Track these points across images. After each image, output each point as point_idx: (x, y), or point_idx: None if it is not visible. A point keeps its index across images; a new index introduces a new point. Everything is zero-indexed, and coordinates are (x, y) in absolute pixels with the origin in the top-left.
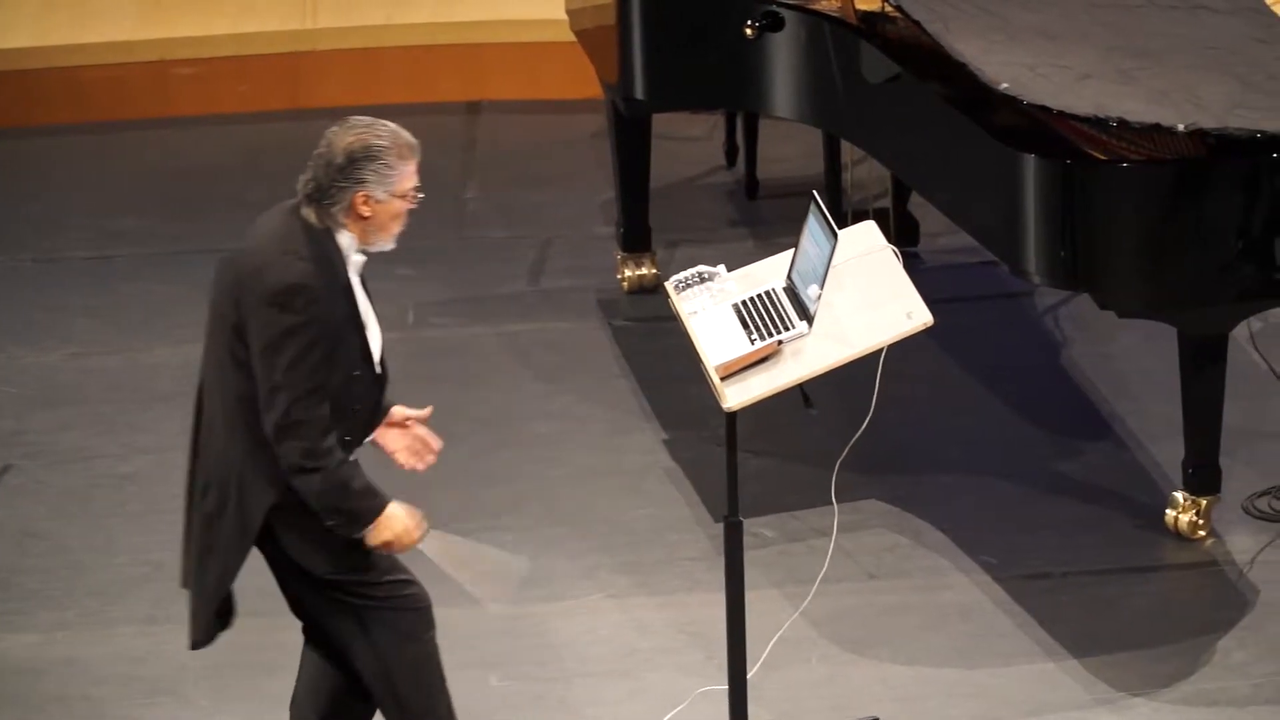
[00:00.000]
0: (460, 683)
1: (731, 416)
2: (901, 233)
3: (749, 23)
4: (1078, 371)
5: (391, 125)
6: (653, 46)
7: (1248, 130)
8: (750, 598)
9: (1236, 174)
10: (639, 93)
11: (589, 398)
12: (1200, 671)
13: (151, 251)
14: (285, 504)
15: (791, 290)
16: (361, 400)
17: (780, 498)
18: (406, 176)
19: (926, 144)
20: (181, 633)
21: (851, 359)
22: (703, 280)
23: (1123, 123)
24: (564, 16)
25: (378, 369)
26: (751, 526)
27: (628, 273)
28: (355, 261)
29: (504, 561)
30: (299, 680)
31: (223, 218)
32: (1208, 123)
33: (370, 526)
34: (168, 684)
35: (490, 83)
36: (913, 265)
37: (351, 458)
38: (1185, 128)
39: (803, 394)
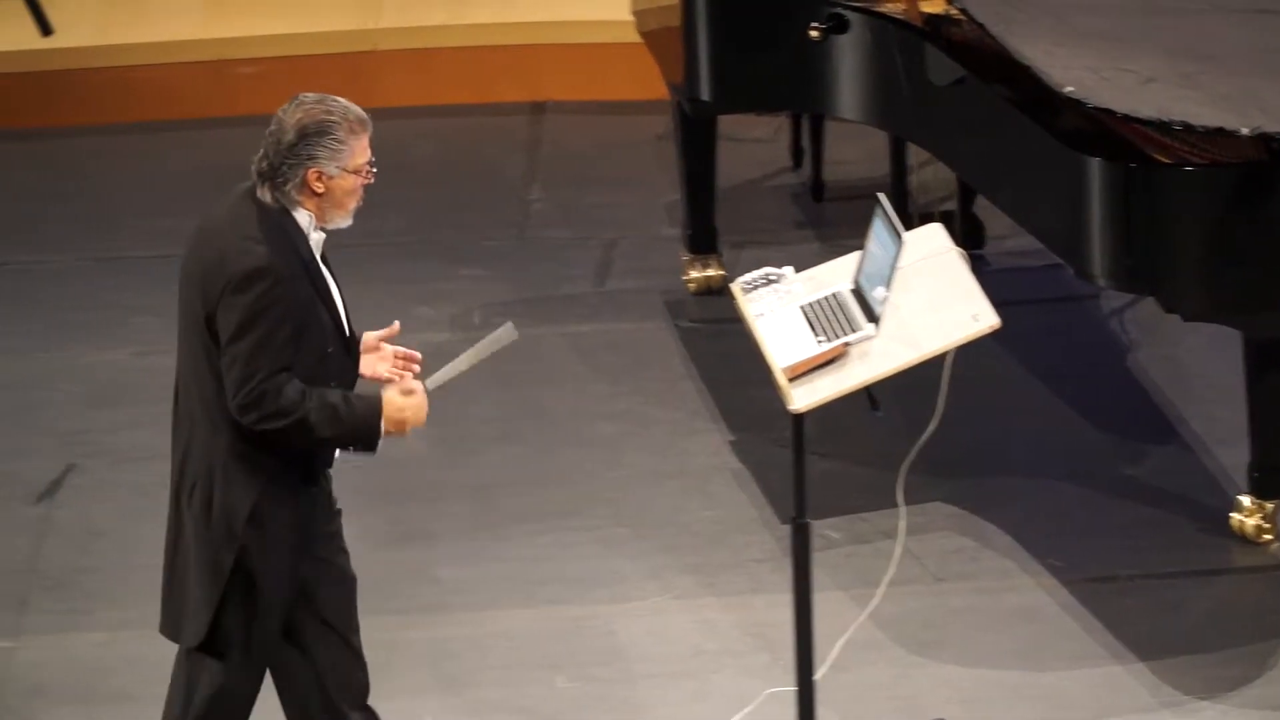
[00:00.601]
0: (527, 684)
1: (798, 418)
2: (967, 235)
3: (814, 25)
4: (1143, 375)
5: (342, 100)
6: (718, 48)
7: None
8: (817, 599)
9: None
10: (705, 94)
11: (654, 399)
12: (1266, 675)
13: None
14: (263, 507)
15: (858, 292)
16: (337, 377)
17: (847, 499)
18: (358, 151)
19: (991, 146)
20: None
21: (918, 361)
22: (769, 282)
23: (1186, 126)
24: (626, 17)
25: (352, 345)
26: (818, 528)
27: (693, 274)
28: (315, 239)
29: (492, 340)
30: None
31: None
32: (1271, 126)
33: (382, 425)
34: None
35: (551, 84)
36: (978, 268)
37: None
38: (1249, 131)
39: (869, 396)
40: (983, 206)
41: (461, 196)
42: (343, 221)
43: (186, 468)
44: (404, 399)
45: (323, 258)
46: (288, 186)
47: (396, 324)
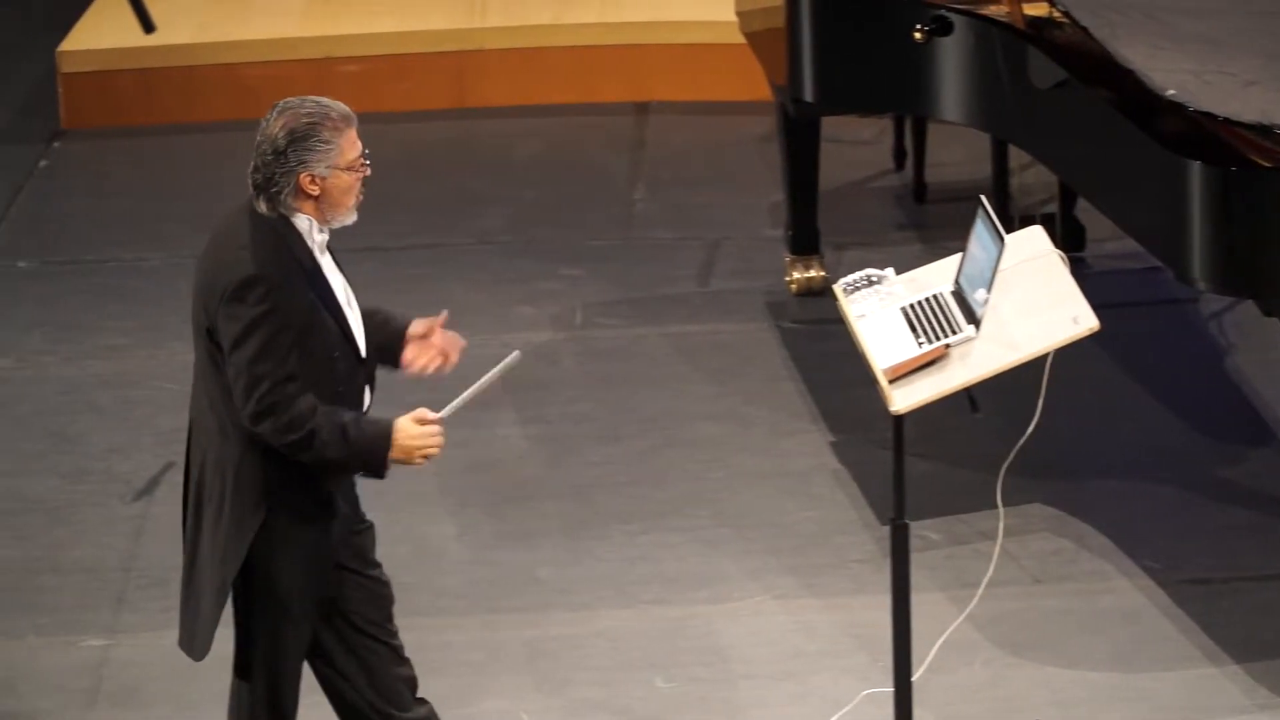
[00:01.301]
0: (627, 684)
1: (898, 419)
2: (1068, 238)
3: (918, 27)
4: (1241, 378)
5: (322, 100)
6: (822, 49)
7: None
8: (915, 600)
9: None
10: (808, 95)
11: (756, 400)
12: None
13: None
14: (274, 518)
15: (959, 294)
16: (345, 381)
17: (946, 501)
18: (346, 147)
19: (1092, 149)
20: None
21: (1018, 363)
22: (871, 283)
23: None
24: (731, 18)
25: (360, 348)
26: (918, 529)
27: (796, 275)
28: (318, 242)
29: (501, 368)
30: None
31: (383, 216)
32: None
33: (390, 452)
34: None
35: (657, 84)
36: (1079, 270)
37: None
38: None
39: (969, 398)
40: (1084, 209)
41: (565, 196)
42: (346, 218)
43: (204, 479)
44: (416, 428)
45: (336, 264)
46: (283, 194)
47: (445, 313)
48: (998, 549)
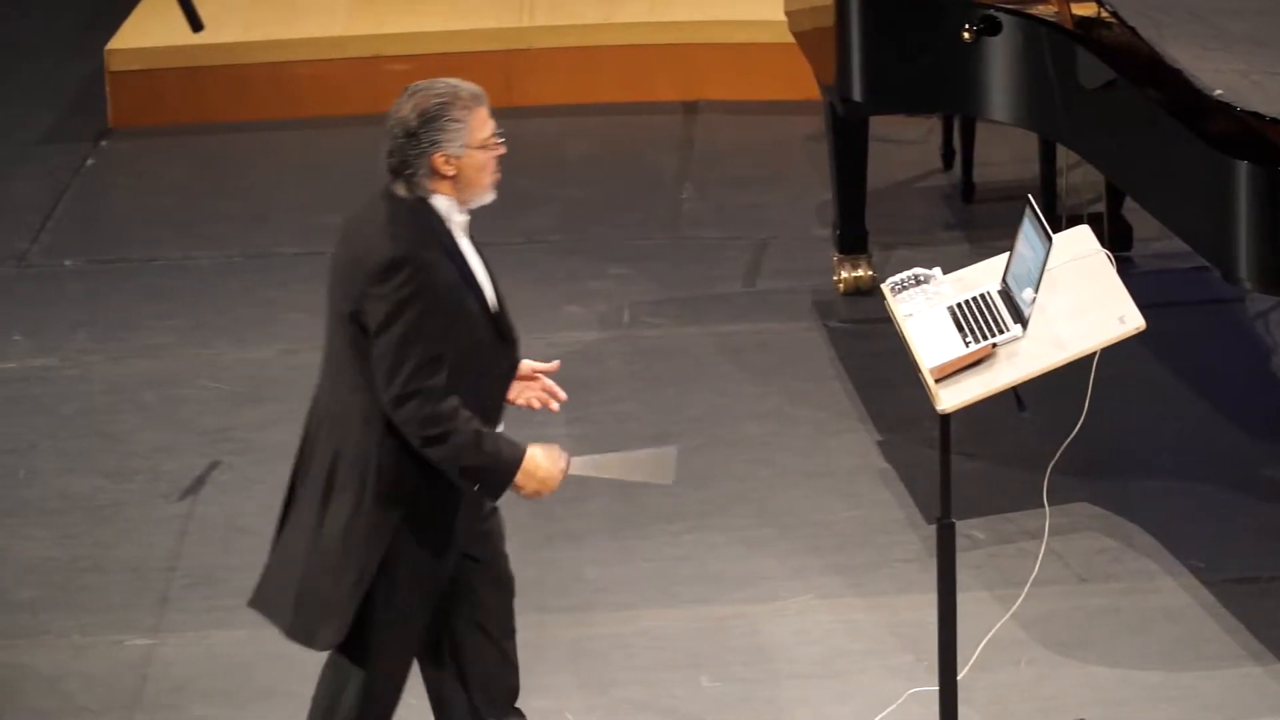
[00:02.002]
0: (671, 684)
1: (945, 418)
2: (1115, 237)
3: (967, 26)
4: None
5: (451, 80)
6: (871, 49)
7: None
8: (961, 599)
9: None
10: (857, 95)
11: (802, 399)
12: None
13: None
14: (419, 494)
15: (1006, 293)
16: (490, 363)
17: (992, 500)
18: (477, 126)
19: (1140, 149)
20: None
21: (1065, 362)
22: (919, 283)
23: None
24: (780, 17)
25: (504, 330)
26: (963, 528)
27: (843, 274)
28: (459, 222)
29: (654, 455)
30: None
31: None
32: None
33: (515, 478)
34: None
35: (705, 83)
36: (1126, 270)
37: (500, 427)
38: None
39: (1016, 397)
40: (1131, 209)
41: (613, 195)
42: (484, 197)
43: (338, 466)
44: (547, 462)
45: (476, 248)
46: (418, 176)
47: (557, 363)
48: (1043, 548)
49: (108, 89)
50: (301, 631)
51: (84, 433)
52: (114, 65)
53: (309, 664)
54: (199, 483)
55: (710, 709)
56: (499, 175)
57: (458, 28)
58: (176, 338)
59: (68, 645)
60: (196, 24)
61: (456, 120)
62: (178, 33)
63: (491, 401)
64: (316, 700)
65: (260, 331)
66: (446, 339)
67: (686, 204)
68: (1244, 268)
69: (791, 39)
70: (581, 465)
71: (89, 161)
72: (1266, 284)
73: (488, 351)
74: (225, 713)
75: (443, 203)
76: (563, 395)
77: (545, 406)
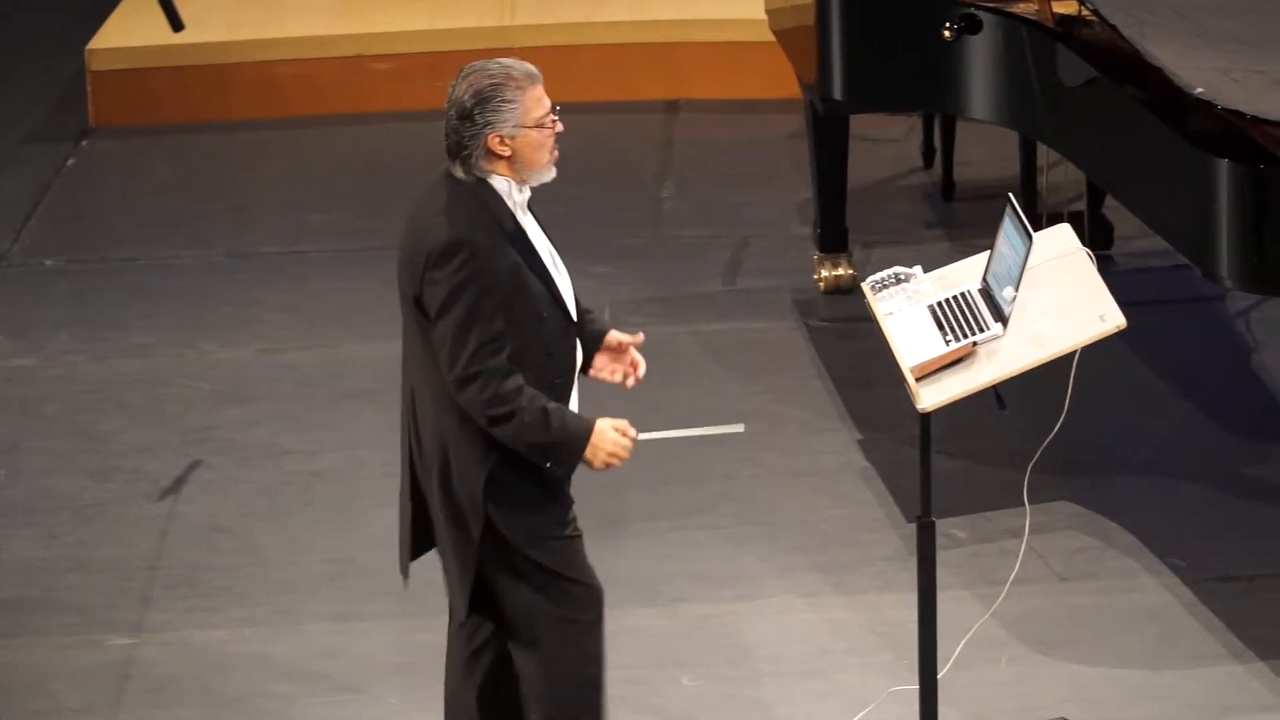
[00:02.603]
0: (653, 683)
1: (926, 417)
2: (1096, 236)
3: (947, 25)
4: (1268, 375)
5: (504, 60)
6: (852, 47)
7: None
8: (942, 598)
9: None
10: (837, 93)
11: (783, 398)
12: None
13: (344, 248)
14: (499, 475)
15: (986, 292)
16: (555, 341)
17: (973, 498)
18: (531, 105)
19: (1121, 147)
20: (371, 631)
21: (1045, 361)
22: (899, 281)
23: None
24: (762, 16)
25: (570, 309)
26: (944, 527)
27: (824, 273)
28: (520, 202)
29: (719, 427)
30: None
31: None
32: None
33: (584, 452)
34: (356, 682)
35: (688, 82)
36: (1106, 268)
37: (574, 403)
38: None
39: (996, 395)
40: (1111, 207)
41: (595, 194)
42: (543, 176)
43: (424, 447)
44: (614, 436)
45: (540, 226)
46: (474, 157)
47: (641, 335)
48: (1024, 547)
49: (89, 88)
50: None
51: (66, 432)
52: (95, 65)
53: (291, 664)
54: (181, 482)
55: (693, 707)
56: (557, 153)
57: (441, 27)
58: (159, 337)
59: (51, 644)
60: (177, 24)
61: (510, 101)
62: (160, 32)
63: (560, 379)
64: (450, 670)
65: (243, 331)
66: (508, 319)
67: (668, 203)
68: (1224, 266)
69: (772, 38)
70: (647, 434)
71: (70, 161)
72: (1247, 282)
73: (554, 330)
74: (207, 712)
75: (501, 183)
76: (643, 367)
77: (630, 380)
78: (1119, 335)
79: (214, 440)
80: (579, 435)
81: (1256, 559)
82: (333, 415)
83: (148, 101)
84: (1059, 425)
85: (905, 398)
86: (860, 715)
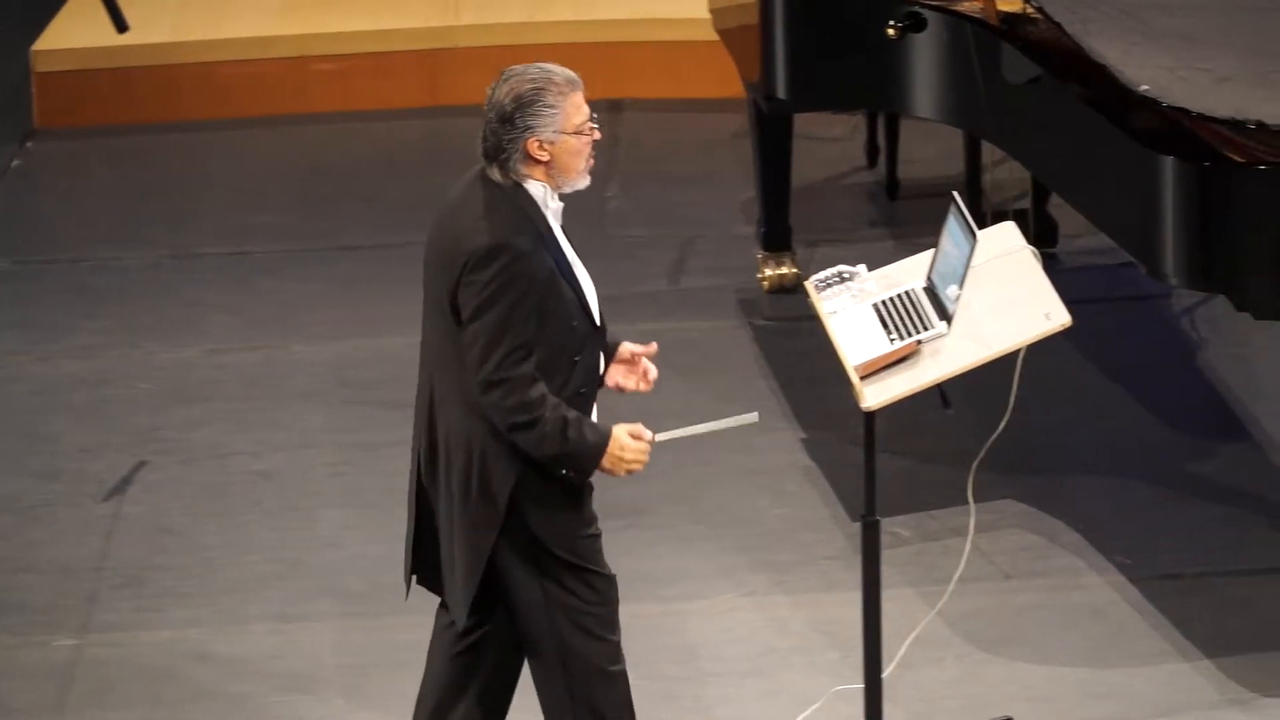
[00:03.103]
0: None
1: (870, 416)
2: (1040, 234)
3: (891, 23)
4: (1213, 373)
5: (546, 65)
6: (795, 46)
7: None
8: (886, 597)
9: None
10: (781, 92)
11: (728, 397)
12: None
13: (288, 248)
14: (529, 477)
15: (931, 290)
16: (582, 350)
17: (917, 497)
18: (572, 111)
19: (1066, 145)
20: (316, 631)
21: (990, 359)
22: (843, 280)
23: (1261, 125)
24: (705, 15)
25: (596, 317)
26: (889, 526)
27: (768, 272)
28: (554, 209)
29: (733, 420)
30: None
31: (360, 215)
32: None
33: (602, 462)
34: (302, 682)
35: (632, 82)
36: (1051, 266)
37: (594, 414)
38: None
39: (941, 394)
40: (1056, 205)
41: None
42: (578, 183)
43: (450, 451)
44: (631, 442)
45: (564, 231)
46: (512, 161)
47: (654, 345)
48: (969, 545)
49: (34, 90)
50: (453, 607)
51: (12, 433)
52: (40, 66)
53: (237, 664)
54: (126, 483)
55: (638, 706)
56: (594, 161)
57: (384, 27)
58: (104, 338)
59: None
60: (121, 25)
61: (551, 106)
62: (104, 33)
63: (585, 387)
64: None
65: (188, 332)
66: (539, 325)
67: (612, 202)
68: (1170, 264)
69: (716, 37)
70: (665, 436)
71: (15, 163)
72: (1192, 280)
73: (582, 339)
74: (152, 713)
75: (537, 189)
76: (654, 375)
77: (642, 388)
78: (1064, 333)
79: (160, 441)
80: (596, 446)
81: (1202, 557)
82: (278, 415)
83: (93, 103)
84: (1004, 423)
85: (850, 396)
86: (805, 714)
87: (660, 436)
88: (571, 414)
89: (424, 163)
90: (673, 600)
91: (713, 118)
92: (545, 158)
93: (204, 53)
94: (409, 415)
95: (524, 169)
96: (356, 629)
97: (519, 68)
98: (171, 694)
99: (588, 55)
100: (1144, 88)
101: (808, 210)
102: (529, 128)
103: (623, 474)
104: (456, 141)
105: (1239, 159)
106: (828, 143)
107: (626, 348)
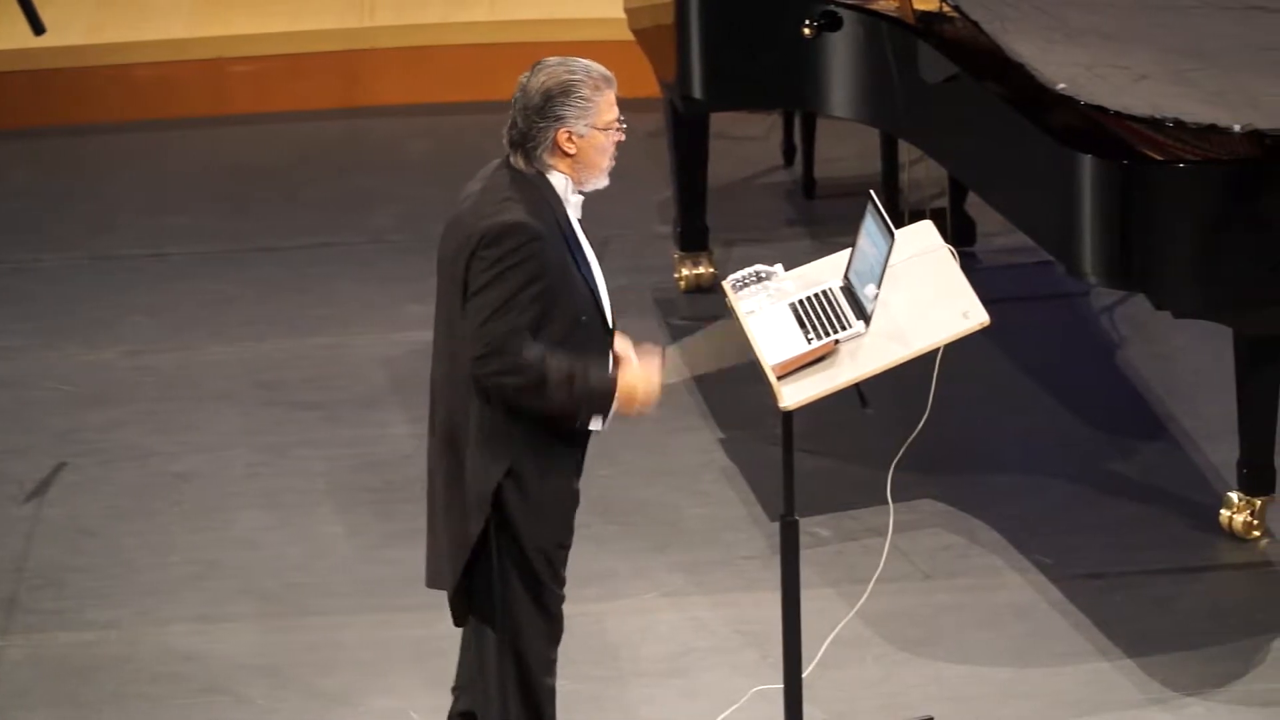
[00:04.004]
0: None
1: (788, 416)
2: (958, 232)
3: (807, 22)
4: (1133, 372)
5: (583, 60)
6: (711, 46)
7: None
8: (806, 597)
9: None
10: (697, 92)
11: None
12: (1254, 671)
13: (206, 250)
14: (518, 467)
15: (848, 290)
16: (587, 346)
17: (836, 497)
18: (604, 108)
19: (983, 144)
20: (235, 631)
21: (908, 359)
22: (760, 279)
23: (1179, 123)
24: (620, 15)
25: (608, 317)
26: (807, 526)
27: (685, 272)
28: (574, 202)
29: (723, 327)
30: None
31: (278, 216)
32: (1263, 123)
33: (615, 403)
34: (222, 682)
35: None
36: (969, 265)
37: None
38: (1241, 128)
39: (859, 394)
40: (974, 204)
41: (455, 194)
42: (599, 181)
43: (455, 427)
44: (640, 379)
45: (581, 227)
46: (539, 150)
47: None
48: (888, 545)
49: None
50: (432, 576)
51: None
52: None
53: (157, 665)
54: (46, 484)
55: (557, 707)
56: (615, 161)
57: (299, 29)
58: (23, 340)
59: None
60: (38, 27)
61: (586, 99)
62: (20, 35)
63: None
64: (484, 683)
65: (106, 333)
66: (547, 316)
67: None
68: (1088, 262)
69: (631, 37)
70: (672, 371)
71: None
72: (1111, 278)
73: (590, 333)
74: (72, 714)
75: (560, 180)
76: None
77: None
78: (982, 332)
79: (79, 442)
80: (605, 389)
81: (1122, 555)
82: (197, 417)
83: (7, 104)
84: (922, 423)
85: (767, 396)
86: (725, 714)
87: (669, 372)
88: (573, 362)
89: (341, 163)
90: (590, 600)
91: (628, 117)
92: (573, 150)
93: (120, 55)
94: (326, 416)
95: (550, 159)
96: (275, 629)
97: (555, 59)
98: (92, 695)
99: (504, 56)
100: (1061, 86)
101: (724, 210)
102: (561, 118)
103: (635, 413)
104: (372, 142)
105: (1157, 157)
106: (744, 142)
107: (618, 344)
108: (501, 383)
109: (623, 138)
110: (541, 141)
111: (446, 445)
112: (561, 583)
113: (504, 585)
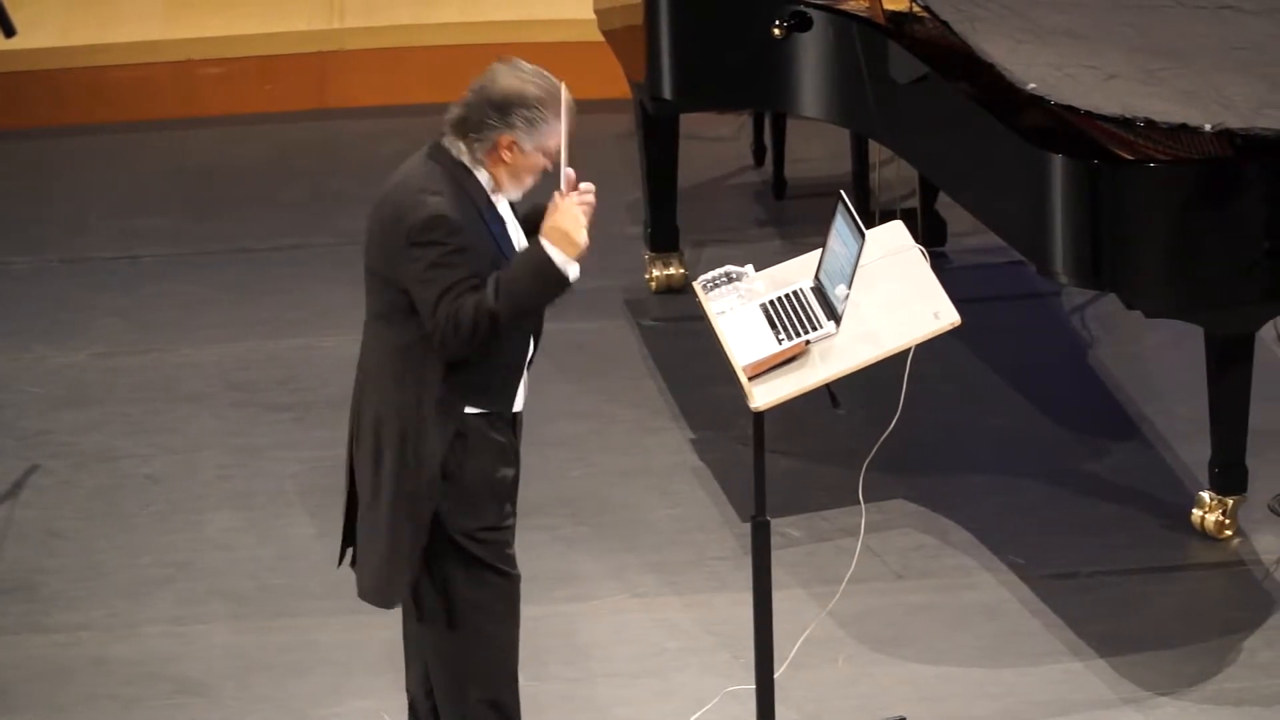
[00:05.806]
0: None
1: (759, 416)
2: (929, 232)
3: (777, 22)
4: (1104, 371)
5: (556, 81)
6: (681, 46)
7: (1275, 130)
8: (777, 597)
9: (1263, 174)
10: (667, 92)
11: (616, 398)
12: (1226, 671)
13: (177, 252)
14: (452, 460)
15: (819, 290)
16: (512, 354)
17: (808, 497)
18: (553, 133)
19: (954, 144)
20: (208, 633)
21: (879, 359)
22: (730, 280)
23: (1149, 123)
24: (590, 16)
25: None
26: (779, 526)
27: (655, 273)
28: (496, 199)
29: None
30: (409, 661)
31: (249, 218)
32: (1234, 123)
33: (551, 252)
34: (195, 684)
35: None
36: (940, 265)
37: (519, 404)
38: (1212, 128)
39: (830, 394)
40: (945, 204)
41: None
42: (514, 194)
43: (381, 431)
44: (553, 218)
45: (517, 219)
46: (479, 144)
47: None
48: (860, 545)
49: None
50: (372, 591)
51: None
52: None
53: (129, 667)
54: (18, 487)
55: (529, 708)
56: (530, 185)
57: (270, 30)
58: None
59: None
60: (9, 30)
61: (543, 120)
62: None
63: (514, 360)
64: (410, 664)
65: (78, 335)
66: (478, 290)
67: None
68: (1059, 261)
69: (601, 38)
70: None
71: None
72: (1081, 277)
73: (514, 339)
74: (46, 717)
75: (484, 178)
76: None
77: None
78: (953, 332)
79: (50, 444)
80: (535, 254)
81: (1094, 555)
82: (168, 419)
83: None
84: (894, 423)
85: (738, 397)
86: (696, 715)
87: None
88: (496, 275)
89: (312, 165)
90: (561, 601)
91: (598, 118)
92: (509, 160)
93: (91, 57)
94: (297, 418)
95: (484, 156)
96: (247, 630)
97: (532, 69)
98: (64, 698)
99: (473, 57)
100: (1031, 85)
101: (695, 210)
102: (512, 126)
103: (581, 244)
104: (343, 143)
105: (1127, 156)
106: (714, 142)
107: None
108: (468, 348)
109: (550, 168)
110: (485, 138)
111: (374, 434)
112: (509, 563)
113: (440, 573)
